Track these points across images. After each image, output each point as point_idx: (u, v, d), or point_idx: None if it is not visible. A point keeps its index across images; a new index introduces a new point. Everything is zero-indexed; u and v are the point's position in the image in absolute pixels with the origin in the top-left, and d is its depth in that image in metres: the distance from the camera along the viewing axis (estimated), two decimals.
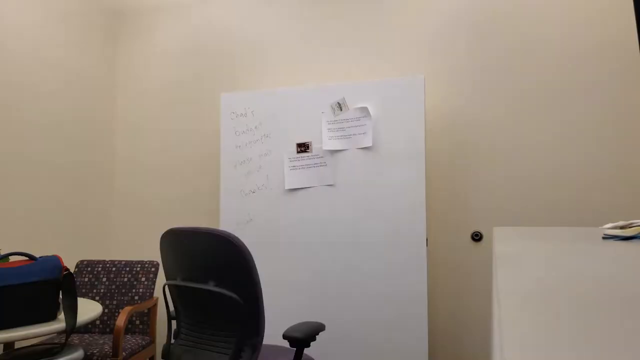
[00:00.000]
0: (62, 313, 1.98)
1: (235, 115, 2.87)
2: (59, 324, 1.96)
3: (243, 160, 2.82)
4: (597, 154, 2.50)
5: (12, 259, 2.05)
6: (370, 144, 2.55)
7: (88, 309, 2.20)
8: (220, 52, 3.20)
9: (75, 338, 2.58)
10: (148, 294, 2.79)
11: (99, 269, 2.90)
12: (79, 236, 3.07)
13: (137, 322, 2.75)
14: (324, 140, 2.63)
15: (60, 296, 1.99)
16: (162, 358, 1.77)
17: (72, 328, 1.90)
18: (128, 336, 2.62)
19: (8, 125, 2.63)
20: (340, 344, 2.51)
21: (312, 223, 2.64)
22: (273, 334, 2.68)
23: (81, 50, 3.13)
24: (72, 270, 2.92)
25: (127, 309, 2.48)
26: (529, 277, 0.55)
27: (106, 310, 2.75)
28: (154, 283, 2.82)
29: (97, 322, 2.74)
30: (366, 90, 2.59)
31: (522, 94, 2.62)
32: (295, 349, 1.93)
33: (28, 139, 2.74)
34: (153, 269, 2.85)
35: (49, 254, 2.85)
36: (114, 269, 2.89)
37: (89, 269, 2.90)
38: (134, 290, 2.80)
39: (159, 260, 2.92)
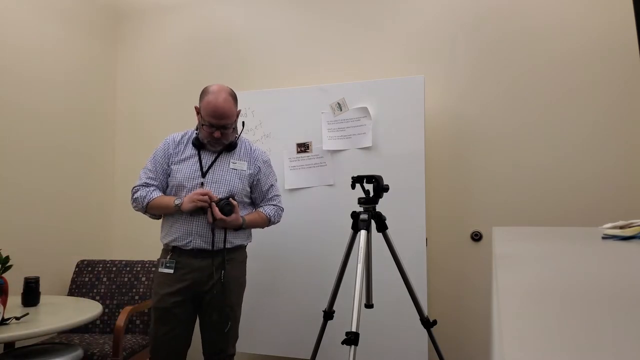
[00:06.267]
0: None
1: None
2: (58, 323, 1.96)
3: None
4: (597, 154, 2.50)
5: None
6: (370, 144, 2.55)
7: (88, 309, 2.20)
8: (220, 52, 3.20)
9: (75, 338, 2.58)
10: (148, 293, 2.79)
11: (99, 269, 2.90)
12: (79, 236, 3.07)
13: (137, 321, 2.75)
14: (324, 140, 2.63)
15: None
16: None
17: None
18: (128, 336, 2.62)
19: (7, 125, 2.63)
20: (339, 344, 2.50)
21: (312, 223, 2.64)
22: (272, 334, 2.68)
23: (82, 49, 3.13)
24: (72, 270, 2.93)
25: (127, 308, 2.48)
26: (528, 277, 0.55)
27: (106, 310, 2.75)
28: None
29: (97, 322, 2.74)
30: (366, 90, 2.59)
31: (522, 95, 2.62)
32: None
33: (28, 138, 2.74)
34: (153, 269, 2.85)
35: (49, 253, 2.85)
36: (114, 268, 2.89)
37: (89, 269, 2.90)
38: (134, 290, 2.80)
39: None
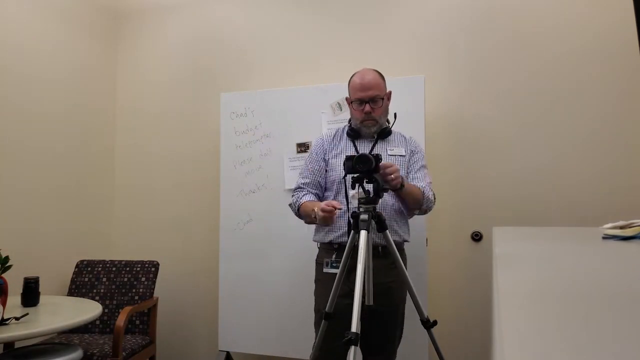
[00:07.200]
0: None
1: (235, 115, 2.87)
2: (58, 323, 1.96)
3: (243, 160, 2.82)
4: (597, 154, 2.50)
5: None
6: None
7: (88, 309, 2.20)
8: (220, 51, 3.20)
9: (75, 338, 2.58)
10: (148, 293, 2.79)
11: (99, 269, 2.90)
12: (78, 236, 3.07)
13: (137, 322, 2.75)
14: None
15: None
16: None
17: None
18: (128, 336, 2.62)
19: (7, 125, 2.63)
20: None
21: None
22: (272, 334, 2.67)
23: (82, 49, 3.13)
24: (71, 270, 2.92)
25: (127, 309, 2.48)
26: (528, 277, 0.55)
27: (106, 310, 2.75)
28: (154, 283, 2.82)
29: (97, 322, 2.74)
30: None
31: (522, 94, 2.62)
32: None
33: (27, 138, 2.74)
34: (153, 269, 2.85)
35: (49, 253, 2.85)
36: (114, 269, 2.89)
37: (89, 269, 2.90)
38: (134, 290, 2.80)
39: (159, 260, 2.92)
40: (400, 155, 2.05)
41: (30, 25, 2.76)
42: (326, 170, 2.08)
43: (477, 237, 2.65)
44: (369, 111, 1.97)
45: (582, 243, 0.91)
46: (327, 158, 2.07)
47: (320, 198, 2.10)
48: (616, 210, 2.42)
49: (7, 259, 2.09)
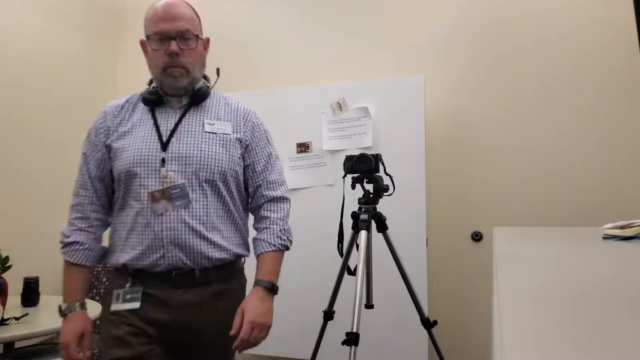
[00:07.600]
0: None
1: None
2: (58, 323, 1.95)
3: None
4: (597, 154, 2.50)
5: None
6: (370, 144, 2.54)
7: (88, 309, 2.19)
8: (220, 52, 3.20)
9: None
10: None
11: (99, 269, 2.89)
12: None
13: None
14: (324, 140, 2.63)
15: None
16: None
17: None
18: None
19: (7, 124, 2.63)
20: (339, 344, 2.50)
21: (311, 223, 2.63)
22: (272, 334, 2.67)
23: (82, 48, 3.13)
24: None
25: None
26: (529, 277, 0.55)
27: None
28: None
29: (97, 322, 2.74)
30: (366, 90, 2.59)
31: (522, 95, 2.62)
32: None
33: (28, 138, 2.74)
34: None
35: (49, 253, 2.85)
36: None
37: None
38: None
39: None
40: (223, 133, 1.36)
41: (30, 25, 2.76)
42: (110, 158, 1.36)
43: (477, 237, 2.65)
44: (174, 51, 1.30)
45: (582, 243, 0.91)
46: (109, 142, 1.37)
47: (106, 220, 1.47)
48: (616, 210, 2.42)
49: (7, 259, 2.09)
